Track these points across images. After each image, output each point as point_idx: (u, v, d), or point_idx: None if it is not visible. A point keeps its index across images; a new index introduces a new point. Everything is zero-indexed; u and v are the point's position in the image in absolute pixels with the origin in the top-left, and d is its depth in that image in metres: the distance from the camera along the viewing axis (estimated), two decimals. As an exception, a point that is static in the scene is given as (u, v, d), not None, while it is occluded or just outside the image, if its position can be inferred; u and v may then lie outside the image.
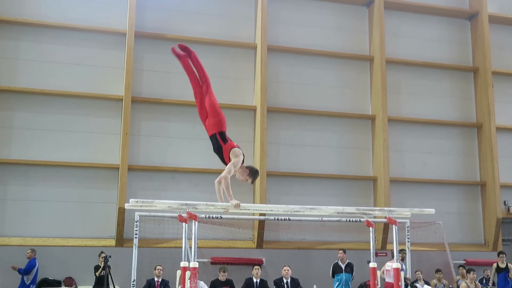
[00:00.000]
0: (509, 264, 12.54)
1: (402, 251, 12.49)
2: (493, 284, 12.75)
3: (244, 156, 6.07)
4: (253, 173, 6.13)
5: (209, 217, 11.69)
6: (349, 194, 14.32)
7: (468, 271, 11.84)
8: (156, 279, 11.13)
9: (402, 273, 7.22)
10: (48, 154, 12.55)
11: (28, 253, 11.29)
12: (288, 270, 11.31)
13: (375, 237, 7.54)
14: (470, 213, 15.28)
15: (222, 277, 11.15)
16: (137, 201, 5.75)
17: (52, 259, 11.88)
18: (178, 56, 6.45)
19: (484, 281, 12.80)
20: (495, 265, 12.69)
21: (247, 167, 6.13)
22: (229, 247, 13.02)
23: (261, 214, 12.67)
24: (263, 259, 13.03)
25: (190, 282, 5.61)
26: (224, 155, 6.10)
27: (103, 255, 10.93)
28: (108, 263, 10.66)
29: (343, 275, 11.49)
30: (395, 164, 14.68)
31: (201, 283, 10.54)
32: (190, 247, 5.90)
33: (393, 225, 6.74)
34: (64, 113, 12.85)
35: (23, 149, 12.48)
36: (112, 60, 13.26)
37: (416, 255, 13.41)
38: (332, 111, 14.62)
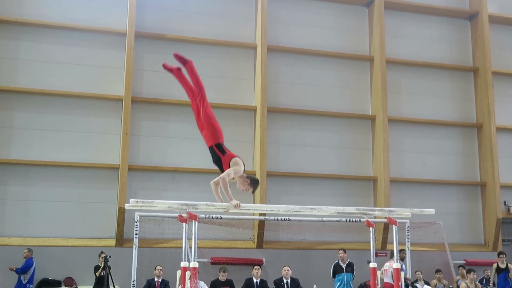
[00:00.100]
0: (509, 265, 12.53)
1: (402, 251, 12.49)
2: (494, 284, 12.75)
3: (244, 166, 6.08)
4: (254, 183, 6.14)
5: (209, 217, 11.69)
6: (349, 194, 14.32)
7: (468, 271, 11.83)
8: (156, 279, 11.12)
9: (402, 273, 7.22)
10: (48, 154, 12.55)
11: (24, 252, 11.27)
12: (288, 270, 11.31)
13: (375, 237, 7.54)
14: (470, 213, 15.28)
15: (222, 277, 11.15)
16: (137, 201, 5.76)
17: (52, 259, 11.88)
18: (170, 70, 6.39)
19: (484, 281, 12.80)
20: (495, 265, 12.69)
21: (247, 177, 6.13)
22: (229, 247, 13.02)
23: (261, 214, 12.67)
24: (263, 259, 13.02)
25: (190, 282, 5.61)
26: (223, 166, 6.08)
27: (103, 255, 10.92)
28: (108, 263, 10.66)
29: (344, 275, 11.49)
30: (395, 164, 14.68)
31: (201, 283, 10.53)
32: (190, 247, 5.90)
33: (393, 225, 6.75)
34: (64, 113, 12.85)
35: (23, 149, 12.47)
36: (112, 60, 13.26)
37: (416, 255, 13.40)
38: (332, 111, 14.62)
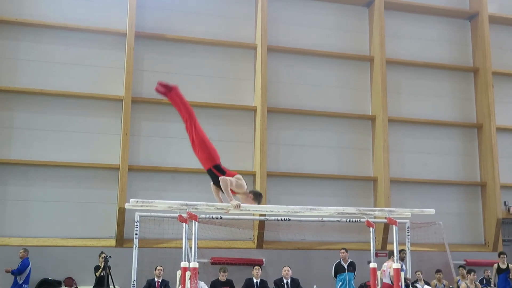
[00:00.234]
0: (509, 265, 12.50)
1: (402, 252, 12.48)
2: (494, 285, 12.73)
3: (247, 185, 6.09)
4: (257, 197, 6.18)
5: (209, 217, 11.67)
6: (349, 194, 14.31)
7: (468, 272, 11.81)
8: (156, 279, 11.12)
9: (402, 274, 7.22)
10: (48, 154, 12.55)
11: (20, 252, 11.23)
12: (288, 271, 11.30)
13: (375, 238, 7.55)
14: (470, 214, 15.28)
15: (222, 277, 11.15)
16: (137, 201, 5.76)
17: (52, 259, 11.88)
18: (164, 94, 6.33)
19: (484, 282, 12.79)
20: (495, 265, 12.67)
21: (250, 192, 6.16)
22: (229, 248, 13.02)
23: (261, 215, 12.65)
24: (263, 260, 13.02)
25: (190, 282, 5.62)
26: None
27: (103, 255, 10.91)
28: (108, 263, 10.66)
29: (346, 275, 11.48)
30: (395, 164, 14.68)
31: (201, 283, 10.52)
32: (190, 247, 5.90)
33: (393, 226, 6.75)
34: (64, 113, 12.85)
35: (23, 149, 12.47)
36: (112, 60, 13.26)
37: (416, 256, 13.39)
38: (332, 111, 14.62)
